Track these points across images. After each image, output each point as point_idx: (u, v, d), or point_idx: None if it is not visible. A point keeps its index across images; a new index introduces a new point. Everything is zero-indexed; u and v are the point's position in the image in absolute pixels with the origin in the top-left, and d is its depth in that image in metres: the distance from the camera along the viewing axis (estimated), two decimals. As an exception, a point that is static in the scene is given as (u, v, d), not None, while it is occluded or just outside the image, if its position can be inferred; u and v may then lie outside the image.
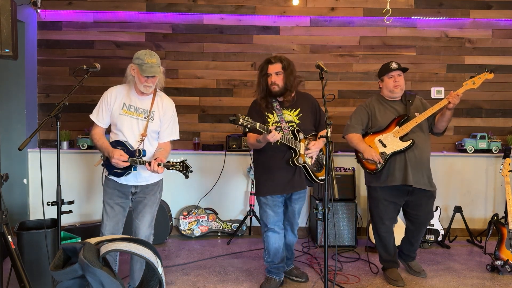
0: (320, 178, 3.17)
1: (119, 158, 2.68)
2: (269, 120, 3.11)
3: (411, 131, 3.25)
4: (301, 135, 3.10)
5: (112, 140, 2.84)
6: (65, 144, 4.57)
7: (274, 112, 3.12)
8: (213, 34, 4.77)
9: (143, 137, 2.81)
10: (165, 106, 2.92)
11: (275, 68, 3.07)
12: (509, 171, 3.81)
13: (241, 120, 2.67)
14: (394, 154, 3.25)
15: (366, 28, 4.79)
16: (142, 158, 2.77)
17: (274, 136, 2.80)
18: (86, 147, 4.52)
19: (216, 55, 4.79)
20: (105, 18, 4.72)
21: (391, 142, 3.27)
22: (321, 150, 3.21)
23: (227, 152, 4.60)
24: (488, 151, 4.64)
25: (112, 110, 2.83)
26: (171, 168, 2.74)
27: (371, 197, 3.46)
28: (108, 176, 2.87)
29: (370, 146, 3.33)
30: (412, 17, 4.77)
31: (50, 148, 4.49)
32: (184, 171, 2.74)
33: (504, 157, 3.99)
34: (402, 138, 3.25)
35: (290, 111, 3.15)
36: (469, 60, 4.84)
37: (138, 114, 2.83)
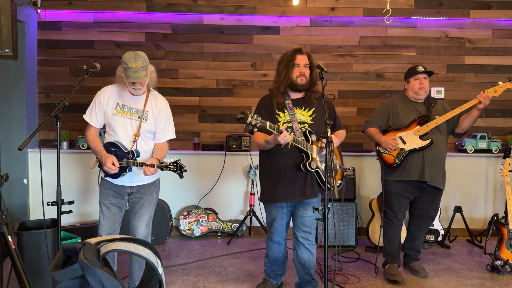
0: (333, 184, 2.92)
1: (111, 167, 2.67)
2: (279, 119, 2.84)
3: (430, 131, 3.36)
4: (314, 137, 2.79)
5: (106, 141, 2.83)
6: (65, 144, 4.57)
7: (286, 110, 2.85)
8: (213, 34, 4.77)
9: (136, 137, 2.79)
10: (159, 106, 2.88)
11: (304, 60, 2.83)
12: (509, 171, 3.81)
13: (249, 119, 2.38)
14: (413, 151, 3.35)
15: (366, 28, 4.79)
16: (136, 159, 2.76)
17: (285, 138, 2.52)
18: (86, 147, 4.51)
19: (216, 55, 4.79)
20: (105, 18, 4.72)
21: (411, 139, 3.38)
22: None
23: (227, 152, 4.60)
24: (488, 151, 4.63)
25: (105, 110, 2.81)
26: (165, 168, 2.73)
27: (385, 190, 3.54)
28: (104, 177, 2.86)
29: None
30: (412, 17, 4.76)
31: (50, 148, 4.48)
32: (178, 171, 2.74)
33: (504, 157, 3.99)
34: (421, 137, 3.36)
35: (304, 110, 2.87)
36: (469, 60, 4.83)
37: (131, 114, 2.81)
